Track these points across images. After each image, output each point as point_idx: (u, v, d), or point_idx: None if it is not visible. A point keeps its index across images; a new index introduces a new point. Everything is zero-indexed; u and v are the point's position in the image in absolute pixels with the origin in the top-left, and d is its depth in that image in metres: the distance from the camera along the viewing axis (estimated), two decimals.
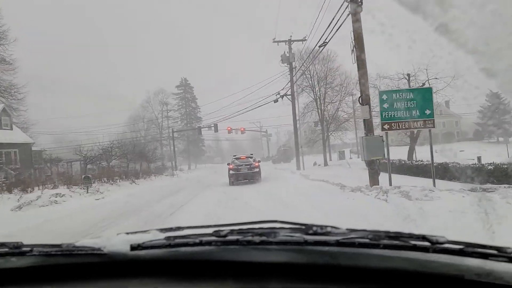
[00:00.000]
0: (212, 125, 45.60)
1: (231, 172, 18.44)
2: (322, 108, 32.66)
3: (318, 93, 32.68)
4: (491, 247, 1.13)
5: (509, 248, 1.11)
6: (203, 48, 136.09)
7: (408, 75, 25.11)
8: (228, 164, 19.06)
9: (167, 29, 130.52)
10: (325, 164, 32.27)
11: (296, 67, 27.37)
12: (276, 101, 27.51)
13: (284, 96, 27.37)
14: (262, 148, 76.82)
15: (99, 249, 1.32)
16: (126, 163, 26.33)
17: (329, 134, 33.46)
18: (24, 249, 1.35)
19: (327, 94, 32.84)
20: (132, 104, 79.68)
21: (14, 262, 1.34)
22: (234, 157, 19.54)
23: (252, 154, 20.70)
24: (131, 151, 25.49)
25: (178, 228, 1.44)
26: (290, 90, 27.43)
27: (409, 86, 25.37)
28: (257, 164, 18.92)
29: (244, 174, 18.24)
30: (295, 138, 28.04)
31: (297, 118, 27.80)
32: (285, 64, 26.84)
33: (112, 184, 19.32)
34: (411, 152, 25.20)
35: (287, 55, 26.57)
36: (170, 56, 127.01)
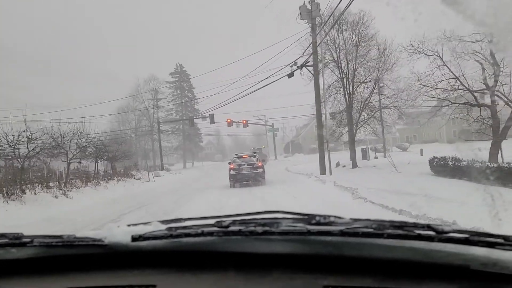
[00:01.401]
0: (208, 115, 37.29)
1: (231, 172, 16.78)
2: (351, 90, 24.24)
3: (346, 69, 24.28)
4: (497, 236, 1.10)
5: None
6: (201, 34, 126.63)
7: (491, 35, 16.61)
8: (229, 163, 17.47)
9: (161, 13, 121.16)
10: (354, 165, 23.92)
11: (321, 23, 18.89)
12: (291, 75, 19.11)
13: (304, 68, 18.90)
14: (267, 144, 68.41)
15: (100, 240, 1.29)
16: (78, 163, 18.15)
17: (360, 125, 24.92)
18: (25, 240, 1.33)
19: (358, 71, 24.40)
20: (122, 93, 71.43)
21: (14, 253, 1.32)
22: (235, 156, 17.73)
23: (255, 153, 18.63)
24: (77, 145, 17.15)
25: (180, 220, 1.40)
26: (307, 60, 18.95)
27: (493, 53, 16.94)
28: (260, 163, 17.08)
29: (246, 175, 16.57)
30: (318, 128, 19.54)
31: (322, 99, 19.35)
32: (305, 20, 18.39)
33: (14, 199, 11.20)
34: (495, 150, 16.64)
35: (308, 7, 18.11)
36: (165, 42, 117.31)
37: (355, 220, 1.21)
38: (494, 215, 5.70)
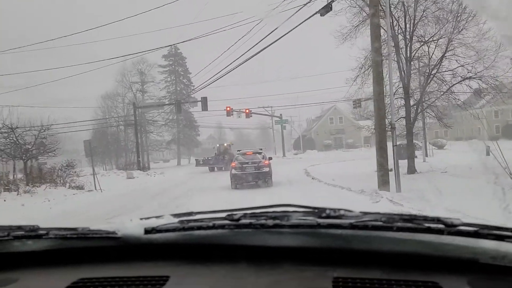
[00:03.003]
0: (200, 99, 28.88)
1: (233, 171, 14.68)
2: (408, 55, 15.83)
3: (403, 22, 15.89)
4: (506, 229, 1.10)
5: None
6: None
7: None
8: (232, 160, 16.04)
9: None
10: (411, 169, 15.58)
11: None
12: (326, 9, 10.65)
13: None
14: (274, 140, 59.99)
15: (113, 232, 1.31)
16: None
17: (422, 107, 16.42)
18: (40, 232, 1.35)
19: (421, 24, 15.94)
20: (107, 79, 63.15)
21: (30, 245, 1.34)
22: (238, 153, 16.30)
23: (261, 149, 16.30)
24: None
25: (191, 213, 1.42)
26: None
27: None
28: (267, 162, 14.71)
29: (250, 175, 14.37)
30: (376, 106, 11.08)
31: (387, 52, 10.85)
32: None
33: None
34: None
35: None
36: (157, 20, 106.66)
37: (365, 213, 1.21)
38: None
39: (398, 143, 31.40)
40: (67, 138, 76.43)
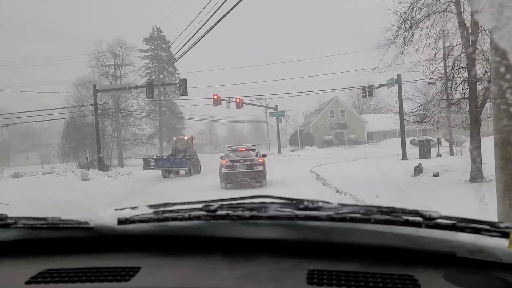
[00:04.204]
0: (178, 82, 23.34)
1: (223, 170, 13.65)
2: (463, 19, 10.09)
3: None
4: (483, 222, 1.11)
5: (501, 222, 1.09)
6: None
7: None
8: (221, 158, 14.28)
9: None
10: (477, 174, 10.37)
11: None
12: None
13: None
14: (268, 135, 54.73)
15: (85, 222, 1.28)
16: None
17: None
18: (9, 221, 1.32)
19: None
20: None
21: None
22: (229, 149, 14.89)
23: (254, 145, 15.41)
24: None
25: (168, 204, 1.38)
26: None
27: None
28: (260, 160, 13.90)
29: (241, 174, 13.43)
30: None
31: None
32: None
33: None
34: None
35: None
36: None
37: (343, 205, 1.21)
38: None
39: (421, 138, 25.44)
40: (43, 130, 69.90)
